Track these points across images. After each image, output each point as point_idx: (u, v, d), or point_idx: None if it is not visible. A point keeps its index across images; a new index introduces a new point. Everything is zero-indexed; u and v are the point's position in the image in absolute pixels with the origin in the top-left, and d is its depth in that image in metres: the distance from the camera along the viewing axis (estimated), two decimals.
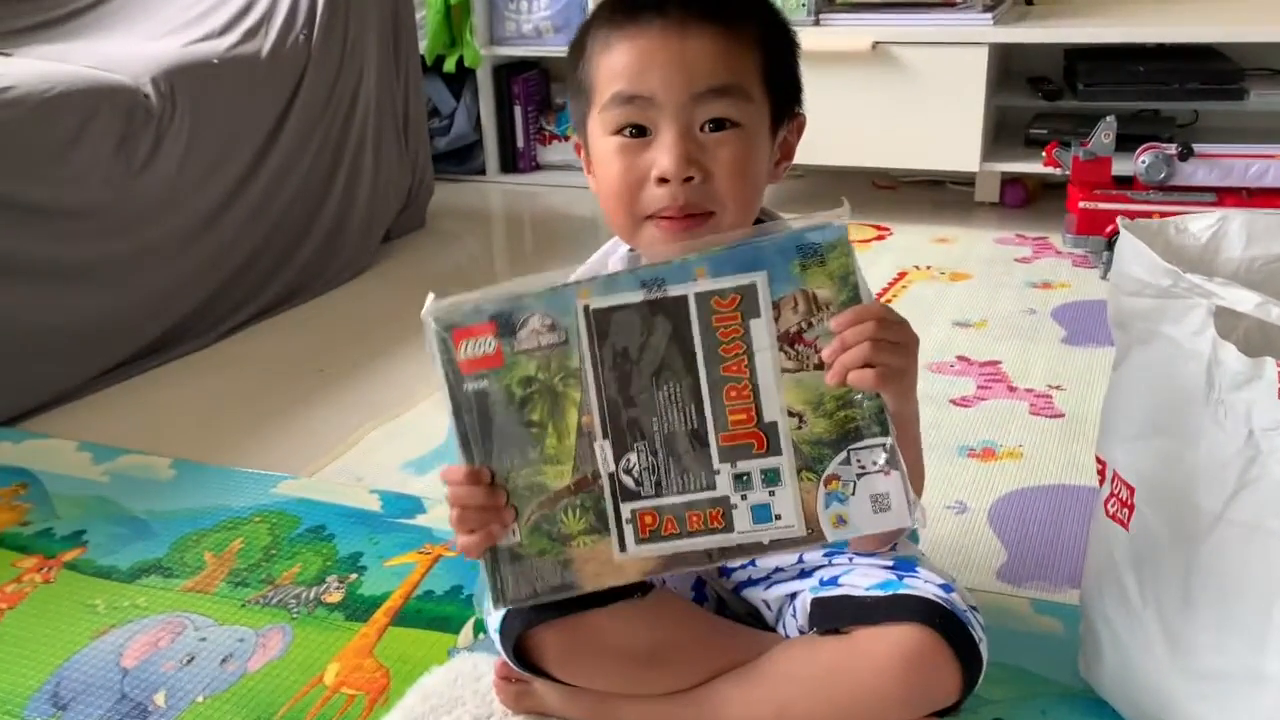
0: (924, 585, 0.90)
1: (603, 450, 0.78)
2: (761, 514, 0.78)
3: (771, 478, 0.77)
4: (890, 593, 0.90)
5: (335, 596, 1.21)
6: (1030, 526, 1.30)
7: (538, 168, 3.06)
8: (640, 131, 0.83)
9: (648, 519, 0.79)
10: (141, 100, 1.80)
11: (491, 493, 0.79)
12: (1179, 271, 0.81)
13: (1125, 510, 0.90)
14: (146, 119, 1.80)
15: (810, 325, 0.75)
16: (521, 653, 0.94)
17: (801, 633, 0.95)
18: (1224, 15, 2.36)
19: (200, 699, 1.06)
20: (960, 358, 1.77)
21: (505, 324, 0.77)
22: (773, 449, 0.77)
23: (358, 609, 1.19)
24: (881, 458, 0.76)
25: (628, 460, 0.78)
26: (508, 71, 2.97)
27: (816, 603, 0.93)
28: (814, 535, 0.78)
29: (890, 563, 0.93)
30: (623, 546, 0.79)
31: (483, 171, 3.03)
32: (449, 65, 2.87)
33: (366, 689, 1.06)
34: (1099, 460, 0.96)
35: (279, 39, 2.09)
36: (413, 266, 2.40)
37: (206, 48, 2.00)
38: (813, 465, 0.77)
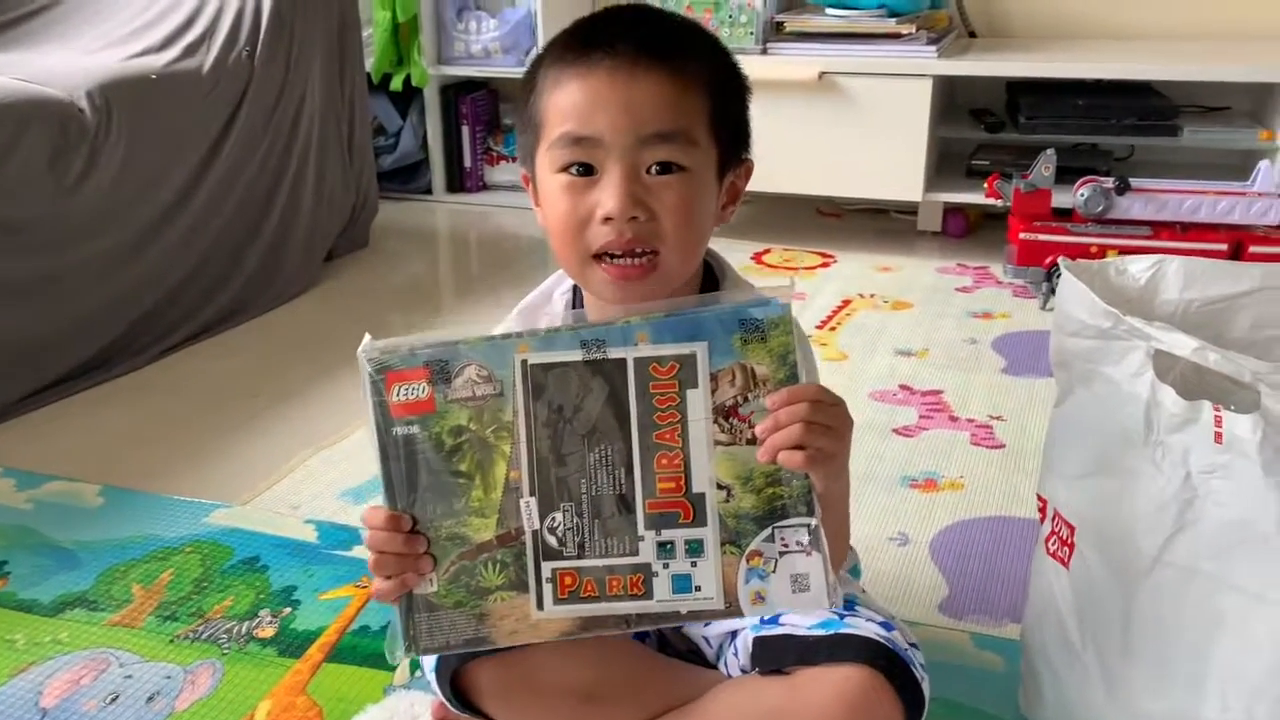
0: (865, 624, 0.90)
1: (528, 507, 0.78)
2: (682, 584, 0.78)
3: (695, 549, 0.78)
4: (832, 632, 0.89)
5: (268, 631, 1.18)
6: (971, 559, 1.30)
7: (485, 188, 3.04)
8: (587, 170, 0.83)
9: (567, 579, 0.79)
10: (76, 114, 1.75)
11: (410, 540, 0.79)
12: (1119, 314, 0.82)
13: (1065, 549, 0.91)
14: (81, 133, 1.75)
15: (746, 400, 0.75)
16: (458, 691, 0.92)
17: (743, 671, 0.94)
18: (1160, 54, 2.42)
19: None
20: (903, 386, 1.78)
21: (440, 371, 0.77)
22: (698, 520, 0.77)
23: (291, 644, 1.16)
24: (805, 537, 0.77)
25: (553, 519, 0.78)
26: (455, 91, 2.95)
27: (758, 642, 0.92)
28: (731, 609, 0.78)
29: (843, 604, 0.93)
30: (540, 605, 0.79)
31: (429, 191, 3.01)
32: (396, 84, 2.85)
33: None
34: (1040, 498, 0.97)
35: (221, 55, 2.05)
36: (356, 286, 2.36)
37: (145, 62, 1.96)
38: (736, 539, 0.77)
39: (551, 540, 0.78)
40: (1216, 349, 0.76)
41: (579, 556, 0.78)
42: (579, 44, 0.84)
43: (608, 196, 0.81)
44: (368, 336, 0.78)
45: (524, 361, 0.76)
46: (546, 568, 0.79)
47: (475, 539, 0.79)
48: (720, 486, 0.77)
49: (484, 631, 0.80)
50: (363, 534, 0.80)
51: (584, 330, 0.76)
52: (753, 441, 0.76)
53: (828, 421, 0.75)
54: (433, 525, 0.79)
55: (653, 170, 0.82)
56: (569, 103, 0.82)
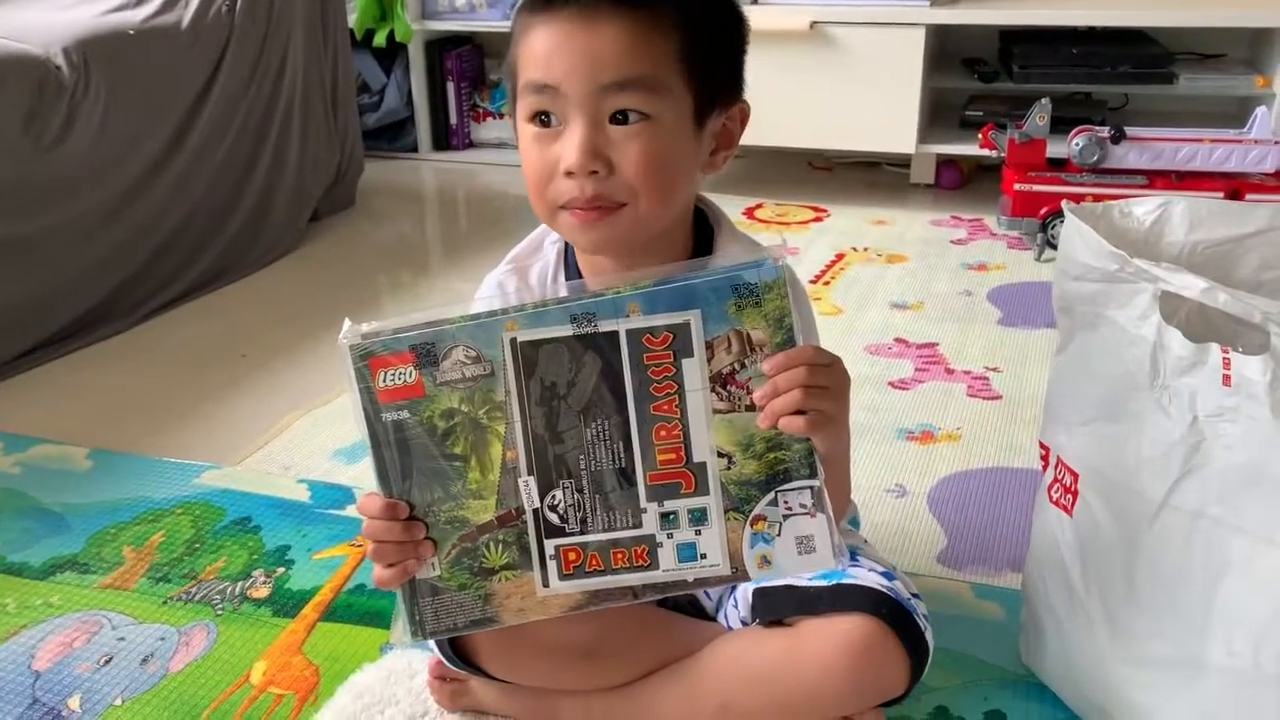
0: (867, 574, 0.89)
1: (527, 486, 0.77)
2: (687, 553, 0.77)
3: (698, 517, 0.77)
4: (834, 583, 0.88)
5: (262, 591, 1.17)
6: (970, 510, 1.30)
7: (471, 145, 3.00)
8: (551, 119, 0.81)
9: (571, 555, 0.78)
10: (52, 72, 1.71)
11: (409, 527, 0.77)
12: (1126, 256, 0.80)
13: (1069, 496, 0.90)
14: (58, 92, 1.71)
15: (743, 366, 0.74)
16: (456, 648, 0.92)
17: (744, 623, 0.93)
18: (1155, 0, 2.38)
19: (118, 702, 1.01)
20: (898, 339, 1.77)
21: (426, 354, 0.75)
22: (700, 489, 0.76)
23: (285, 604, 1.14)
24: (809, 499, 0.76)
25: (553, 496, 0.77)
26: (440, 46, 2.90)
27: (759, 593, 0.92)
28: (738, 574, 0.78)
29: (850, 562, 0.92)
30: (546, 582, 0.78)
31: (415, 149, 2.97)
32: (379, 40, 2.80)
33: (295, 688, 1.02)
34: (1042, 446, 0.96)
35: (200, 10, 2.01)
36: (342, 246, 2.33)
37: (122, 17, 1.91)
38: (740, 506, 0.76)
39: (553, 518, 0.77)
40: (1226, 289, 0.74)
41: (582, 532, 0.77)
42: None
43: (568, 150, 0.79)
44: (348, 322, 0.75)
45: (513, 340, 0.74)
46: (550, 545, 0.78)
47: (475, 521, 0.78)
48: (721, 454, 0.76)
49: (490, 611, 0.79)
50: (361, 521, 0.78)
51: (573, 304, 0.74)
52: (752, 408, 0.74)
53: (826, 383, 0.74)
54: (431, 510, 0.78)
55: (617, 118, 0.79)
56: (533, 50, 0.80)
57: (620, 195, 0.80)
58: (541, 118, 0.81)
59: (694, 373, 0.74)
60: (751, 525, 0.76)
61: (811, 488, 0.76)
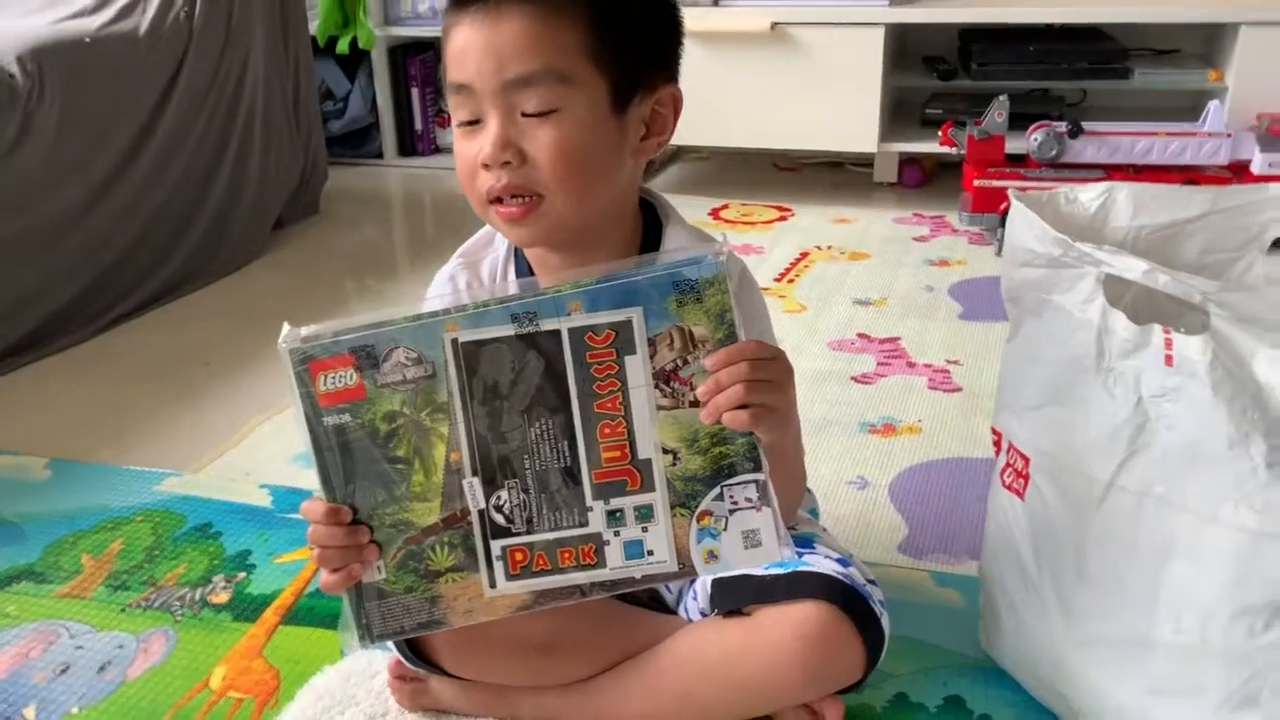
0: (822, 561, 0.89)
1: (472, 487, 0.77)
2: (634, 550, 0.78)
3: (645, 514, 0.77)
4: (790, 570, 0.89)
5: (222, 597, 1.16)
6: (930, 500, 1.30)
7: (437, 150, 2.99)
8: (474, 119, 0.82)
9: (518, 555, 0.78)
10: (6, 80, 1.69)
11: (352, 532, 0.78)
12: (1068, 240, 0.81)
13: (1020, 480, 0.91)
14: (12, 100, 1.70)
15: (686, 363, 0.74)
16: (415, 648, 0.91)
17: (703, 614, 0.94)
18: None
19: (75, 710, 1.00)
20: (861, 335, 1.78)
21: (367, 357, 0.75)
22: (646, 486, 0.76)
23: (246, 609, 1.14)
24: (754, 493, 0.76)
25: (498, 497, 0.77)
26: (404, 52, 2.90)
27: (717, 584, 0.92)
28: (685, 570, 0.78)
29: (797, 554, 0.92)
30: (493, 583, 0.78)
31: (379, 155, 2.96)
32: (342, 46, 2.78)
33: (255, 691, 1.02)
34: (995, 432, 0.97)
35: (157, 17, 1.99)
36: (306, 254, 2.32)
37: (78, 25, 1.89)
38: (686, 501, 0.77)
39: (499, 518, 0.78)
40: (1166, 270, 0.76)
41: (528, 532, 0.78)
42: None
43: (485, 142, 0.81)
44: (286, 326, 0.75)
45: (454, 340, 0.74)
46: (496, 546, 0.78)
47: (420, 524, 0.78)
48: (666, 450, 0.76)
49: (438, 614, 0.79)
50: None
51: (514, 304, 0.74)
52: (695, 404, 0.75)
53: (768, 376, 0.75)
54: (375, 514, 0.77)
55: (527, 111, 0.80)
56: (451, 50, 0.82)
57: (536, 186, 0.82)
58: (466, 122, 0.83)
59: (637, 370, 0.75)
60: (698, 520, 0.77)
61: (757, 481, 0.76)
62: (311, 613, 1.12)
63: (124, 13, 1.97)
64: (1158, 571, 0.79)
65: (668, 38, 0.88)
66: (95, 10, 1.96)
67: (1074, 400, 0.84)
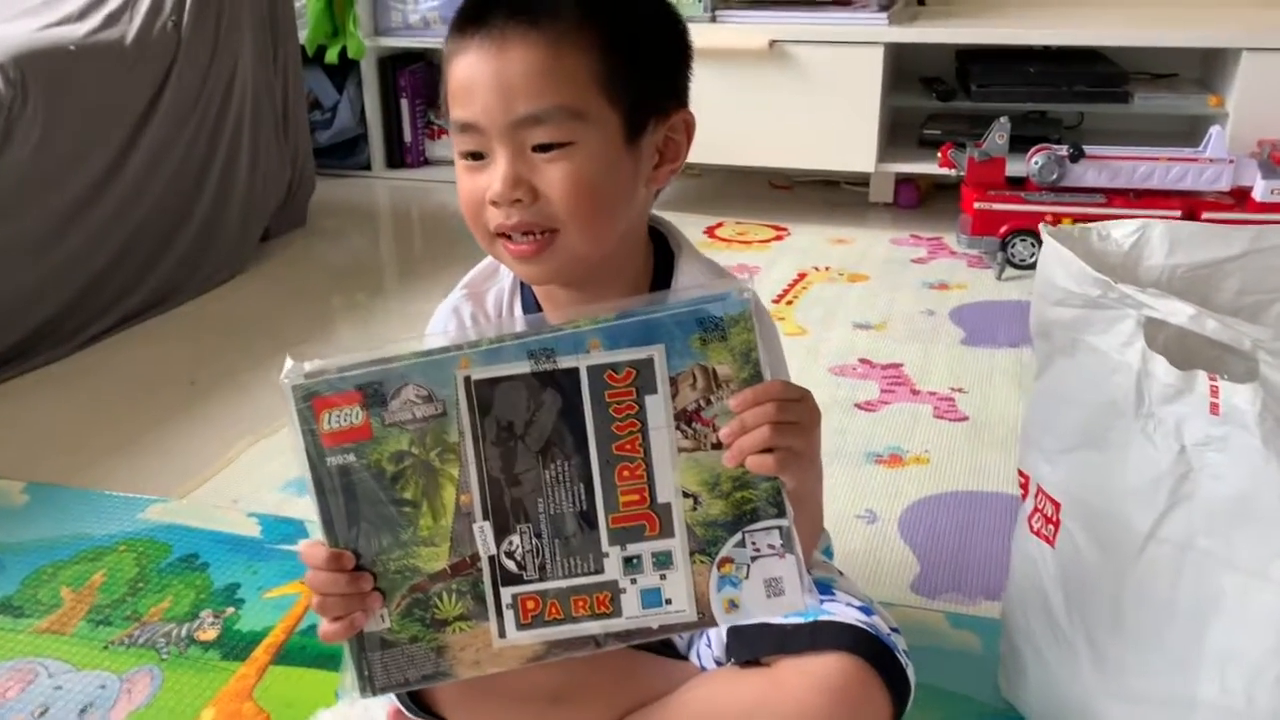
0: (844, 610, 0.86)
1: (483, 532, 0.73)
2: (651, 598, 0.74)
3: (663, 560, 0.73)
4: (811, 619, 0.85)
5: (210, 634, 1.11)
6: (941, 536, 1.27)
7: (426, 162, 2.95)
8: (479, 154, 0.79)
9: (530, 604, 0.74)
10: None
11: (355, 578, 0.73)
12: (1109, 281, 0.78)
13: (1050, 527, 0.87)
14: None
15: (709, 403, 0.71)
16: (416, 697, 0.87)
17: (718, 663, 0.90)
18: (1110, 20, 2.41)
19: None
20: (863, 360, 1.75)
21: (374, 394, 0.70)
22: (665, 531, 0.73)
23: (235, 647, 1.09)
24: (777, 540, 0.73)
25: (510, 542, 0.73)
26: (393, 63, 2.86)
27: (733, 632, 0.88)
28: (705, 620, 0.74)
29: (820, 602, 0.89)
30: (502, 633, 0.74)
31: (368, 167, 2.91)
32: (331, 56, 2.74)
33: None
34: (1021, 474, 0.93)
35: (144, 25, 1.95)
36: (293, 267, 2.27)
37: (62, 32, 1.84)
38: (706, 548, 0.73)
39: (510, 564, 0.73)
40: (1214, 315, 0.73)
41: (541, 579, 0.74)
42: (460, 16, 0.79)
43: (494, 180, 0.77)
44: (289, 360, 0.71)
45: (467, 378, 0.70)
46: (506, 593, 0.74)
47: (427, 569, 0.73)
48: (686, 495, 0.72)
49: (444, 665, 0.75)
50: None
51: (531, 340, 0.70)
52: (718, 446, 0.71)
53: (795, 419, 0.71)
54: (379, 559, 0.73)
55: (538, 148, 0.77)
56: (453, 85, 0.78)
57: (549, 222, 0.78)
58: (471, 154, 0.79)
59: (658, 410, 0.71)
60: (718, 568, 0.73)
61: (780, 527, 0.72)
62: (304, 651, 1.08)
63: (110, 20, 1.92)
64: (1201, 628, 0.76)
65: (679, 61, 0.85)
66: (81, 17, 1.91)
67: (1110, 445, 0.81)
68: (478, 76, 0.76)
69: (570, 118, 0.76)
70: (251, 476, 1.42)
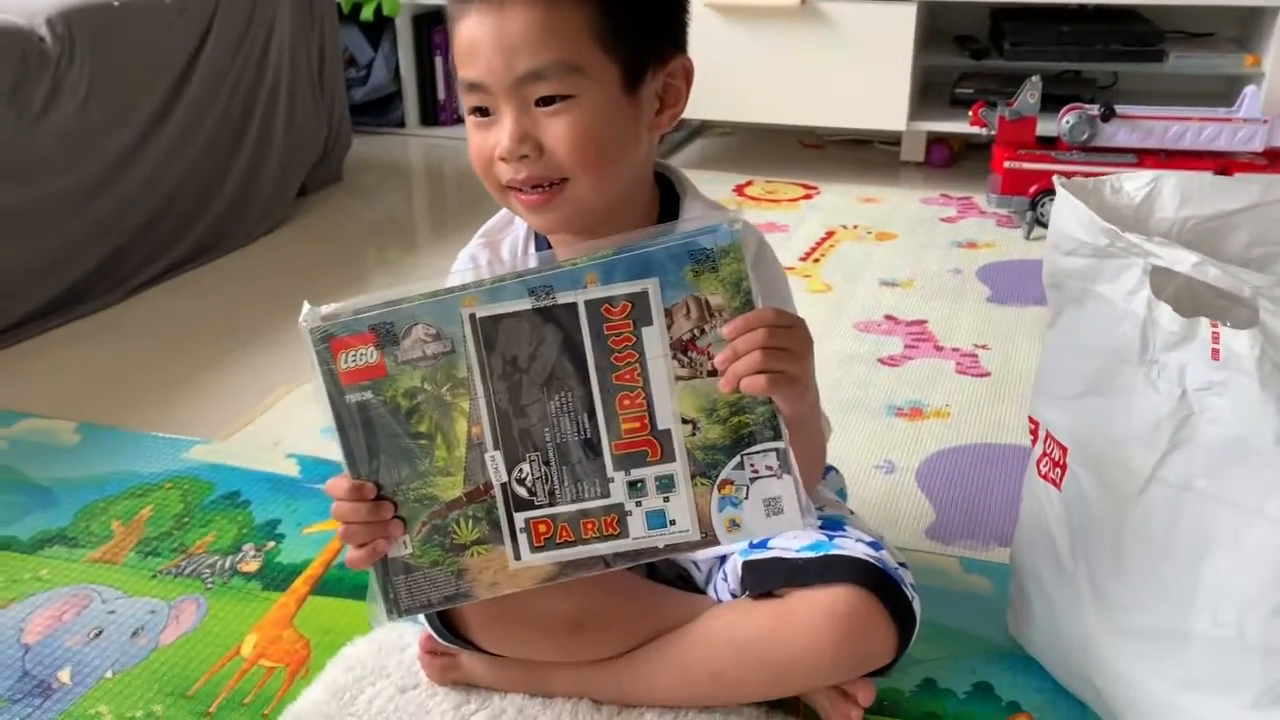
0: (854, 545, 0.90)
1: (494, 461, 0.77)
2: (656, 520, 0.78)
3: (666, 484, 0.77)
4: (821, 554, 0.89)
5: (252, 566, 1.17)
6: (958, 486, 1.30)
7: (459, 120, 2.97)
8: (485, 110, 0.82)
9: (542, 527, 0.79)
10: (36, 44, 1.69)
11: (376, 507, 0.78)
12: (1117, 230, 0.80)
13: (1058, 470, 0.90)
14: (42, 64, 1.70)
15: (703, 332, 0.75)
16: (447, 622, 0.92)
17: (733, 596, 0.94)
18: None
19: (109, 674, 1.01)
20: (888, 316, 1.77)
21: (387, 334, 0.75)
22: (666, 456, 0.77)
23: (276, 578, 1.14)
24: (774, 461, 0.76)
25: (520, 470, 0.78)
26: (428, 21, 2.88)
27: (748, 566, 0.92)
28: (708, 539, 0.78)
29: (819, 523, 0.93)
30: (517, 555, 0.79)
31: (402, 124, 2.95)
32: (366, 14, 2.77)
33: (286, 660, 1.03)
34: (1031, 420, 0.96)
35: None
36: (329, 222, 2.32)
37: None
38: (706, 471, 0.77)
39: (521, 491, 0.78)
40: (1216, 264, 0.75)
41: (550, 504, 0.78)
42: None
43: (502, 137, 0.80)
44: (307, 305, 0.76)
45: (472, 315, 0.75)
46: (519, 518, 0.78)
47: (444, 498, 0.78)
48: (685, 421, 0.76)
49: (464, 586, 0.80)
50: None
51: (531, 278, 0.74)
52: (713, 373, 0.75)
53: (786, 344, 0.74)
54: (399, 489, 0.78)
55: (541, 101, 0.80)
56: (459, 44, 0.81)
57: (556, 173, 0.81)
58: (478, 110, 0.82)
59: (654, 340, 0.75)
60: (719, 489, 0.77)
61: (777, 449, 0.76)
62: (341, 583, 1.13)
63: None
64: (1197, 565, 0.79)
65: (674, 9, 0.87)
66: None
67: (1115, 391, 0.84)
68: (480, 37, 0.79)
69: (569, 71, 0.79)
70: (291, 420, 1.47)
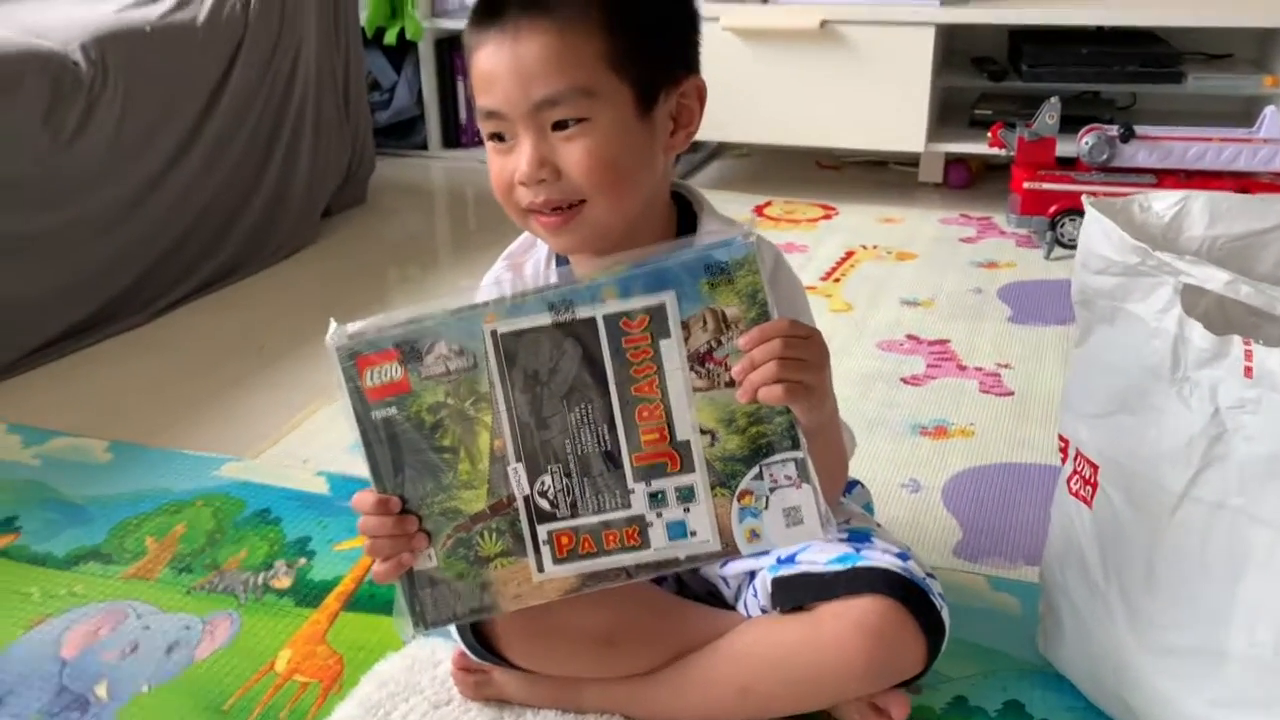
0: (881, 556, 0.90)
1: (516, 474, 0.79)
2: (677, 530, 0.79)
3: (686, 495, 0.78)
4: (849, 566, 0.90)
5: (284, 582, 1.18)
6: (984, 504, 1.31)
7: (482, 143, 2.98)
8: (505, 137, 0.84)
9: (564, 539, 0.80)
10: (70, 68, 1.72)
11: (401, 521, 0.80)
12: (1147, 249, 0.81)
13: (1088, 488, 0.91)
14: (75, 87, 1.72)
15: (720, 343, 0.76)
16: (480, 639, 0.93)
17: (763, 611, 0.94)
18: (1163, 0, 2.39)
19: (145, 689, 1.02)
20: (910, 336, 1.78)
21: (410, 351, 0.77)
22: (686, 467, 0.78)
23: (308, 594, 1.15)
24: (793, 471, 0.77)
25: (542, 482, 0.79)
26: (450, 45, 2.91)
27: (777, 582, 0.93)
28: (729, 549, 0.79)
29: (846, 535, 0.93)
30: (541, 567, 0.80)
31: (424, 146, 2.98)
32: (390, 38, 2.80)
33: (320, 676, 1.04)
34: (1061, 438, 0.97)
35: (215, 7, 2.02)
36: (353, 243, 2.34)
37: (139, 14, 1.92)
38: (726, 481, 0.78)
39: (543, 503, 0.79)
40: (1248, 281, 0.76)
41: (572, 516, 0.79)
42: (476, 10, 0.84)
43: (519, 162, 0.82)
44: (333, 322, 0.77)
45: (493, 331, 0.76)
46: (542, 530, 0.79)
47: (468, 511, 0.79)
48: (704, 431, 0.77)
49: (488, 599, 0.81)
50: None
51: (550, 293, 0.75)
52: (731, 384, 0.76)
53: (802, 355, 0.76)
54: (424, 503, 0.79)
55: (558, 126, 0.82)
56: (477, 73, 0.84)
57: (574, 195, 0.83)
58: (497, 135, 0.84)
59: (672, 353, 0.76)
60: (739, 500, 0.78)
61: (795, 459, 0.77)
62: (372, 600, 1.14)
63: (183, 3, 2.00)
64: (1232, 583, 0.79)
65: (685, 31, 0.89)
66: (155, 0, 1.98)
67: (1147, 409, 0.84)
68: (497, 66, 0.81)
69: (583, 96, 0.81)
70: (319, 438, 1.48)
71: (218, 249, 2.04)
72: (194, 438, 1.49)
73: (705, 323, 0.75)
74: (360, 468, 0.77)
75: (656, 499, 0.78)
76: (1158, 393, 0.83)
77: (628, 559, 0.80)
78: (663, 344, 0.76)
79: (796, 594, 0.91)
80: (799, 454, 0.77)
